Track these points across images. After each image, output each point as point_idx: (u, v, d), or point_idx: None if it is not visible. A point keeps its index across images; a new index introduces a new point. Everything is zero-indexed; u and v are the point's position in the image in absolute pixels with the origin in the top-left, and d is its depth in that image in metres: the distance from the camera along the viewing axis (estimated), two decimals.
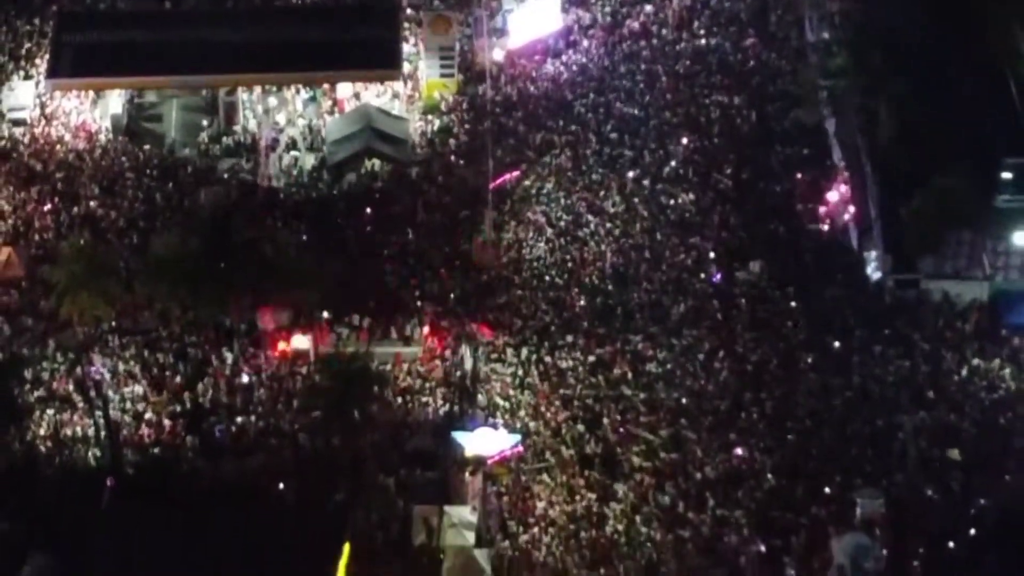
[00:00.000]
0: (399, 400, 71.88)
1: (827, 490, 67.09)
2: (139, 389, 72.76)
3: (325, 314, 74.80)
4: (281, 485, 67.76)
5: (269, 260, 74.65)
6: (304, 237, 79.05)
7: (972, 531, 65.15)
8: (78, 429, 71.66)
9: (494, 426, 68.71)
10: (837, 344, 73.73)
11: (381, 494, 67.42)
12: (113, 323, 76.03)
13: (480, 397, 71.56)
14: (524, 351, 74.50)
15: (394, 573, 64.19)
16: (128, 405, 72.39)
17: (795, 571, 63.61)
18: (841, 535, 63.55)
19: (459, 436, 67.83)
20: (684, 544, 65.21)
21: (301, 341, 73.38)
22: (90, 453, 70.58)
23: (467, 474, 67.13)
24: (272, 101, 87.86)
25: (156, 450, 70.44)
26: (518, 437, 68.38)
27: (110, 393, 71.53)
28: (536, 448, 69.56)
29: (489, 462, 66.92)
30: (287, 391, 72.78)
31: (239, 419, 71.93)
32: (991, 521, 65.35)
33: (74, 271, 73.92)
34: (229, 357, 73.87)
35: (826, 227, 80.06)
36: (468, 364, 72.95)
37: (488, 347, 74.09)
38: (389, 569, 64.17)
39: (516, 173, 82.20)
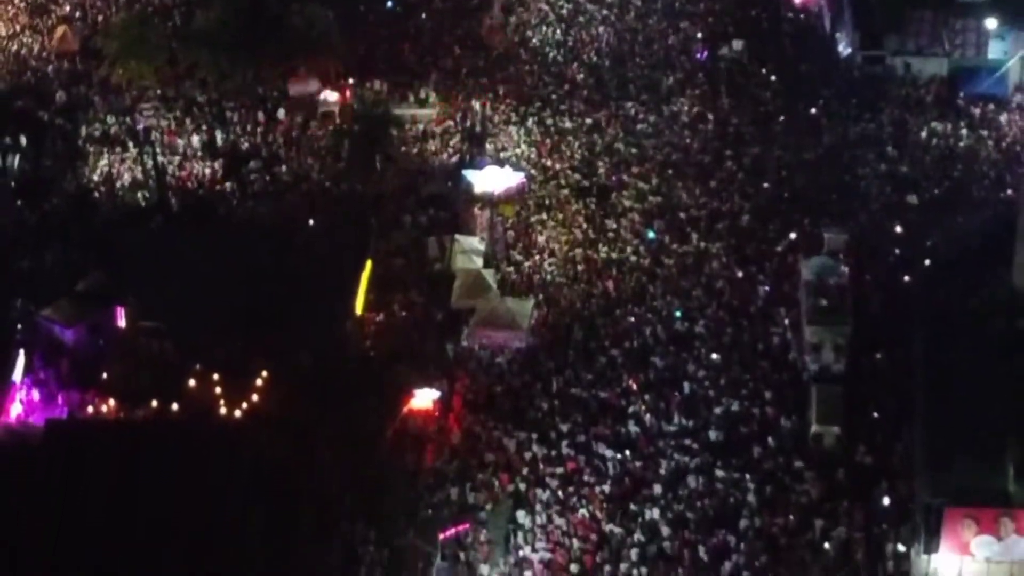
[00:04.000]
0: (415, 149, 73.83)
1: (798, 224, 68.77)
2: (181, 141, 74.49)
3: (351, 80, 76.61)
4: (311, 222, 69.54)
5: (300, 32, 76.61)
6: (331, 15, 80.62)
7: (926, 262, 66.68)
8: (127, 177, 73.51)
9: (500, 164, 70.72)
10: (810, 110, 75.54)
11: (399, 228, 69.26)
12: (158, 91, 77.82)
13: (488, 147, 73.53)
14: (528, 116, 76.37)
15: (411, 300, 65.61)
16: (173, 157, 74.23)
17: (767, 288, 65.15)
18: (809, 259, 65.44)
19: (469, 174, 70.03)
20: (669, 269, 67.05)
21: (329, 96, 75.32)
22: (140, 194, 72.50)
23: (476, 209, 69.10)
24: None
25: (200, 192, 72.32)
26: (522, 175, 70.53)
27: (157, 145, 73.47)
28: (537, 192, 71.54)
29: (495, 194, 68.88)
30: (316, 145, 74.73)
31: (272, 169, 73.80)
32: (944, 254, 67.03)
33: (123, 41, 75.90)
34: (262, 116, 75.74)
35: (802, 15, 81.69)
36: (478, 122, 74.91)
37: (495, 110, 76.03)
38: (406, 294, 65.66)
39: None
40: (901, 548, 52.87)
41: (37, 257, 66.78)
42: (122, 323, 61.97)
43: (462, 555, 53.23)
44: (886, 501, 54.59)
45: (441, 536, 52.53)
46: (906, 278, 65.39)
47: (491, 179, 69.14)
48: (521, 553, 53.71)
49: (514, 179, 69.69)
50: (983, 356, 57.31)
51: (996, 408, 55.24)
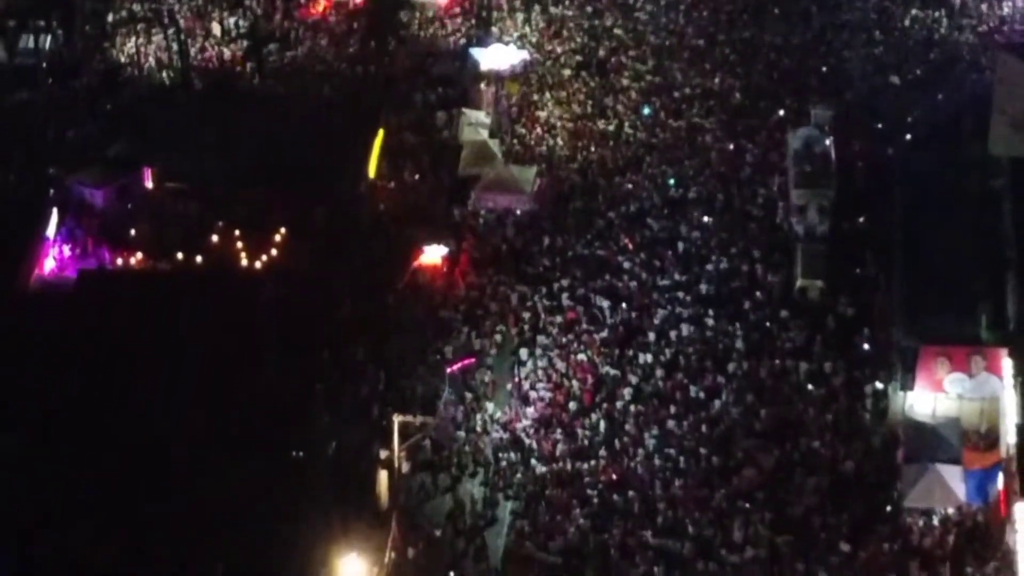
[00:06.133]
0: (425, 32, 74.53)
1: (786, 102, 69.53)
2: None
3: None
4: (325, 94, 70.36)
5: None
6: None
7: (907, 136, 67.47)
8: (152, 59, 74.21)
9: (505, 43, 71.41)
10: None
11: (409, 106, 70.06)
12: None
13: (494, 30, 74.22)
14: (532, 4, 77.00)
15: (420, 168, 66.48)
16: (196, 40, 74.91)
17: (755, 159, 65.96)
18: (796, 130, 66.24)
19: (475, 52, 70.74)
20: (664, 142, 67.90)
21: None
22: (164, 74, 73.26)
23: (482, 85, 69.84)
24: None
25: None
26: (526, 53, 71.26)
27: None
28: (539, 72, 72.29)
29: (501, 71, 69.60)
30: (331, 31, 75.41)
31: (288, 53, 74.45)
32: (924, 128, 67.80)
33: None
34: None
35: None
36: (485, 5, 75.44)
37: None
38: (416, 162, 66.54)
39: None
40: (879, 386, 53.72)
41: (68, 130, 67.34)
42: (149, 184, 62.74)
43: (468, 394, 54.17)
44: (866, 346, 55.33)
45: (448, 370, 53.45)
46: (888, 151, 65.73)
47: (497, 57, 69.76)
48: (524, 392, 54.56)
49: (518, 57, 70.20)
50: (958, 213, 58.25)
51: (970, 262, 56.17)
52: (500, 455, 52.17)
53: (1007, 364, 51.56)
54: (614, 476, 51.53)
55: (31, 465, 47.48)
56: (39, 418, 49.30)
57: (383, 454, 49.67)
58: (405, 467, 49.84)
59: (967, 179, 60.80)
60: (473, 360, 54.47)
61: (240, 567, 44.08)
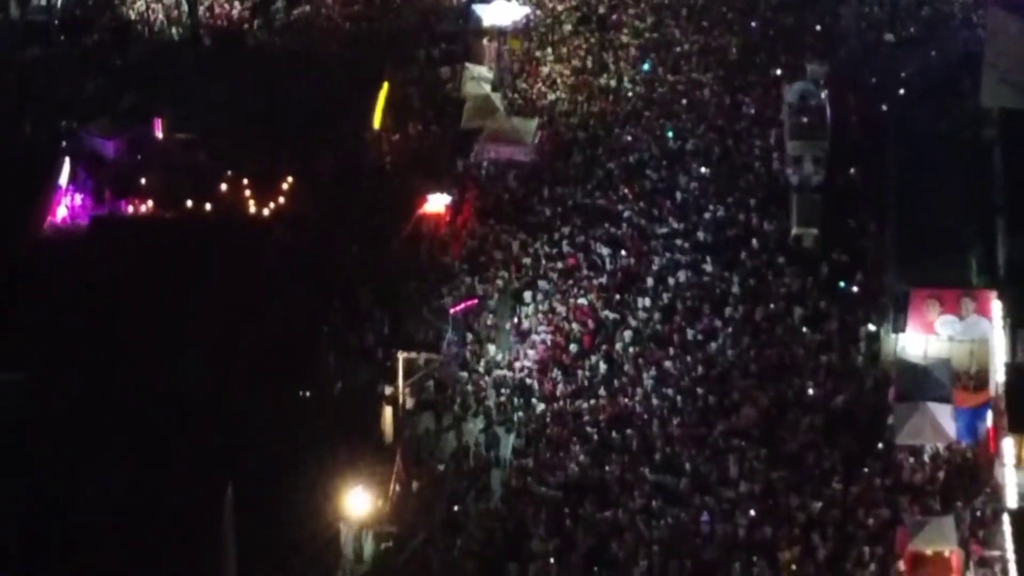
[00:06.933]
0: None
1: (782, 59, 69.88)
2: None
3: None
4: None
5: None
6: None
7: (900, 91, 67.82)
8: (162, 16, 74.53)
9: (507, 0, 71.83)
10: None
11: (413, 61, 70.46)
12: None
13: None
14: None
15: (424, 121, 66.85)
16: None
17: (753, 112, 66.35)
18: (792, 84, 66.62)
19: (478, 8, 71.10)
20: (663, 96, 68.29)
21: None
22: (173, 30, 73.65)
23: (485, 41, 70.21)
24: None
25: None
26: (528, 9, 71.66)
27: None
28: (540, 29, 72.66)
29: (503, 27, 69.95)
30: None
31: (295, 11, 74.82)
32: (917, 83, 68.16)
33: None
34: None
35: None
36: None
37: None
38: (420, 115, 66.93)
39: None
40: (872, 328, 54.20)
41: (79, 86, 67.72)
42: (159, 135, 63.13)
43: (470, 335, 54.65)
44: (855, 289, 55.82)
45: (452, 311, 53.93)
46: (883, 107, 66.10)
47: (499, 13, 70.16)
48: (524, 334, 55.04)
49: (519, 13, 70.59)
50: (950, 163, 58.69)
51: (961, 209, 56.63)
52: (502, 394, 52.44)
53: (996, 306, 52.04)
54: (613, 414, 51.76)
55: (45, 400, 47.71)
56: (54, 357, 49.56)
57: (388, 391, 50.08)
58: (409, 403, 50.27)
59: (959, 130, 61.08)
60: (475, 301, 54.88)
61: (250, 497, 44.45)
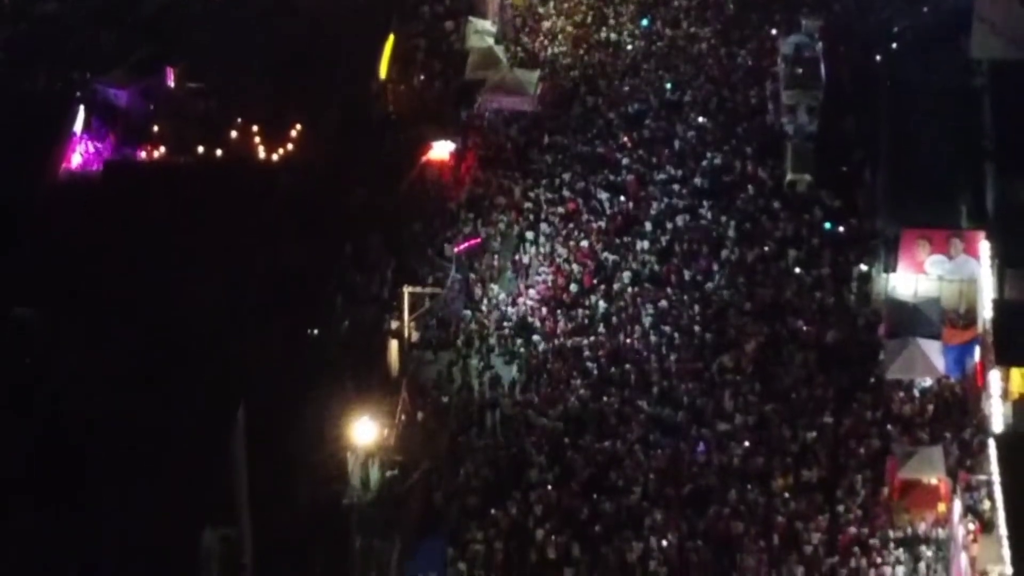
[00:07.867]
0: None
1: (777, 16, 70.34)
2: None
3: None
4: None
5: None
6: None
7: (893, 45, 68.24)
8: None
9: None
10: None
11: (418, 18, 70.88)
12: None
13: None
14: None
15: (429, 72, 67.18)
16: None
17: (749, 64, 66.89)
18: (787, 37, 67.07)
19: None
20: (662, 49, 68.79)
21: None
22: None
23: None
24: None
25: None
26: None
27: None
28: None
29: None
30: None
31: None
32: (909, 37, 68.59)
33: None
34: None
35: None
36: None
37: None
38: (425, 67, 67.31)
39: None
40: (864, 268, 54.84)
41: (94, 38, 68.24)
42: (171, 84, 63.69)
43: (473, 275, 55.32)
44: (841, 229, 56.41)
45: (455, 250, 54.59)
46: (876, 58, 66.60)
47: None
48: (527, 274, 55.73)
49: None
50: (940, 110, 59.18)
51: (951, 155, 57.17)
52: (504, 330, 53.11)
53: (984, 246, 52.61)
54: (612, 350, 52.43)
55: (60, 333, 48.36)
56: (71, 293, 50.20)
57: (394, 324, 50.76)
58: (415, 336, 50.96)
59: (949, 80, 61.55)
60: (479, 240, 55.51)
61: (260, 425, 45.13)
